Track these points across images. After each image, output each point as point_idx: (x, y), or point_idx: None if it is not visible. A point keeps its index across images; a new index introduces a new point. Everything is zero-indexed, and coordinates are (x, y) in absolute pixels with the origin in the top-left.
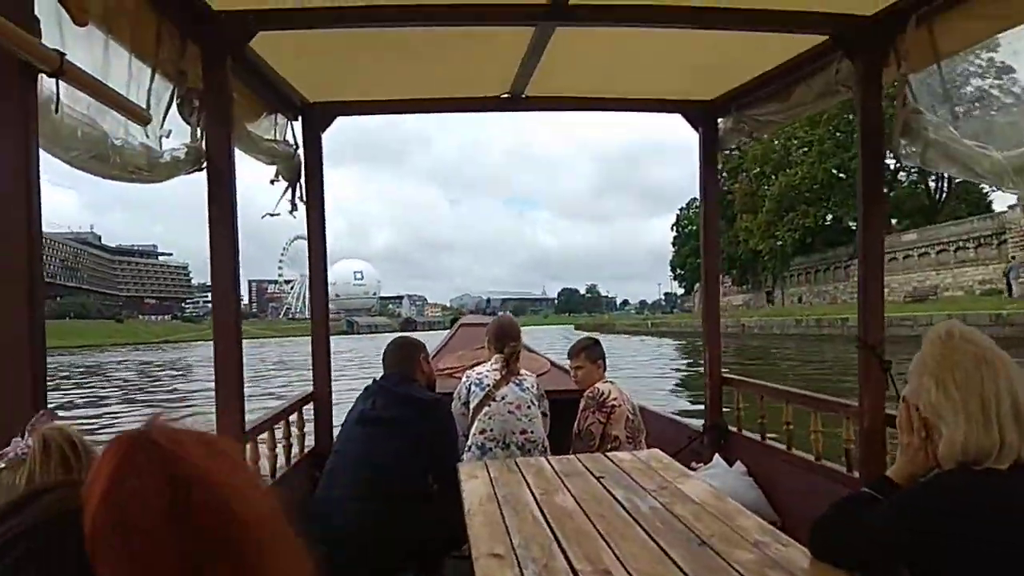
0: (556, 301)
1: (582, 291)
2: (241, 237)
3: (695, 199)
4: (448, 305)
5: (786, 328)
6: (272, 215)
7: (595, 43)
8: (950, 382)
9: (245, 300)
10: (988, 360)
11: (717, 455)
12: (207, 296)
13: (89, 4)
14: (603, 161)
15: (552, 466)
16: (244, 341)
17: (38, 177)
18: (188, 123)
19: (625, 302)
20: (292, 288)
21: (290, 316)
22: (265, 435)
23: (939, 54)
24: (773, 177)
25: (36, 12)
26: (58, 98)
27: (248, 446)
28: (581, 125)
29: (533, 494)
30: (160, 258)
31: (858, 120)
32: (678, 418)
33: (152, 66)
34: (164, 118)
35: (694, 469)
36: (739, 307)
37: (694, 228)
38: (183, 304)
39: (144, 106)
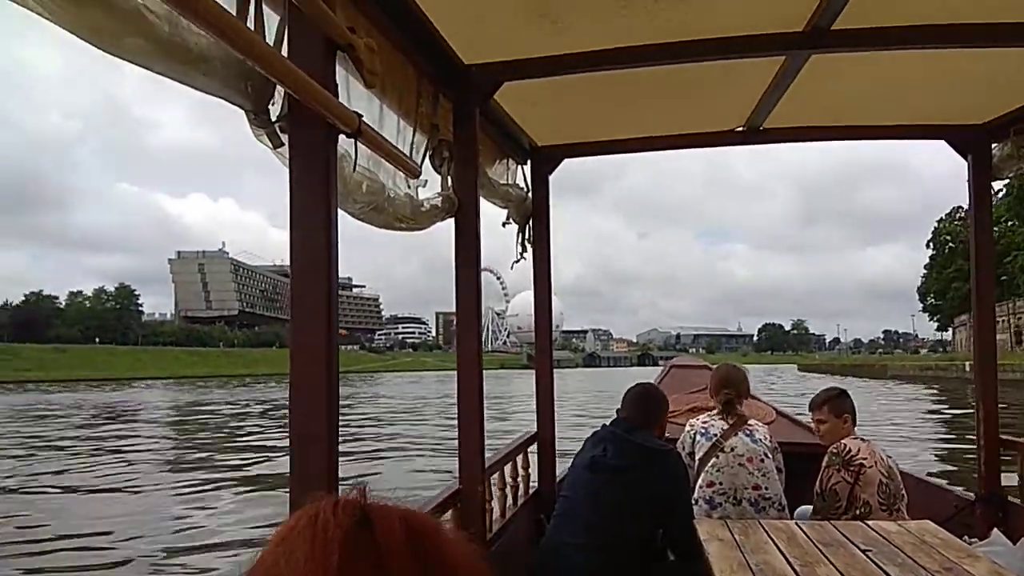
0: (756, 338)
1: (787, 327)
2: (425, 269)
3: (958, 207)
4: (635, 340)
5: None
6: (516, 262)
7: (849, 68)
8: None
9: (432, 332)
10: None
11: (996, 530)
12: (397, 328)
13: (376, 67)
14: (806, 185)
15: (804, 532)
16: (426, 373)
17: (336, 233)
18: (438, 173)
19: (836, 340)
20: None
21: None
22: (496, 475)
23: None
24: None
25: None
26: (356, 156)
27: (484, 485)
28: (781, 146)
29: (791, 564)
30: (354, 290)
31: None
32: (940, 483)
33: (414, 121)
34: (420, 169)
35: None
36: None
37: (956, 247)
38: (373, 335)
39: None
